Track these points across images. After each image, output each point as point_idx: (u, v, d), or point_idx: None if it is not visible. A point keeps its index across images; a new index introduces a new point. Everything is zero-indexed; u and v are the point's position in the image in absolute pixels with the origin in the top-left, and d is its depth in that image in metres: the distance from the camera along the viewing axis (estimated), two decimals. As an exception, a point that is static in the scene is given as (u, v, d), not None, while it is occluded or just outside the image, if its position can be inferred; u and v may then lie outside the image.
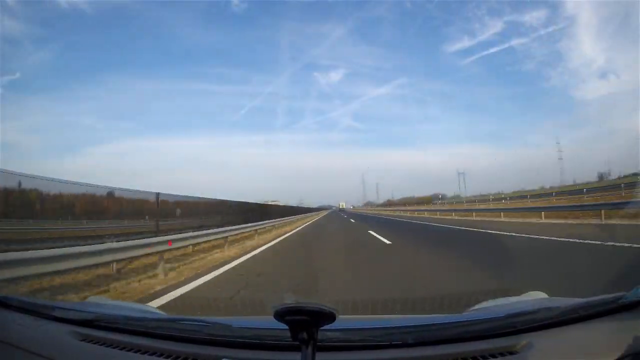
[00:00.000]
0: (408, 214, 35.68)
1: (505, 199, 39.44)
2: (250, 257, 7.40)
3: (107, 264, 5.02)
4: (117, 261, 5.11)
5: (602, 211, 11.72)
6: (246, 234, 11.80)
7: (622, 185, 22.58)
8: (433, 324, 1.08)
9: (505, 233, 9.77)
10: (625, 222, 10.12)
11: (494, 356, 0.91)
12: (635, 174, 24.64)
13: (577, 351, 0.90)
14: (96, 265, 4.72)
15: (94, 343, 1.09)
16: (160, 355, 1.00)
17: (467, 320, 1.08)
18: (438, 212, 28.34)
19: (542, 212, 15.03)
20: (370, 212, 60.51)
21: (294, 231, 15.78)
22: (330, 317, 0.74)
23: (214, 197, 12.50)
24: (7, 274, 3.08)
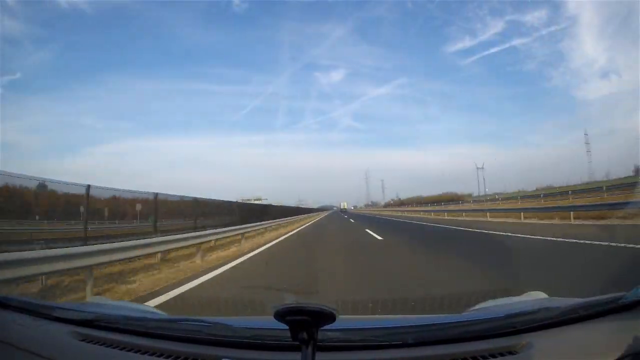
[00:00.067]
0: (432, 216, 28.07)
1: (536, 196, 34.58)
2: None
3: None
4: None
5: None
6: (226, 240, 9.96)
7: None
8: (433, 324, 1.08)
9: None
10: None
11: (494, 356, 0.91)
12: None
13: (577, 351, 0.90)
14: None
15: (94, 343, 1.09)
16: (161, 355, 1.00)
17: (467, 320, 1.08)
18: (487, 214, 19.75)
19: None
20: (377, 212, 53.89)
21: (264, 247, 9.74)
22: (330, 317, 0.74)
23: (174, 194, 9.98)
24: None
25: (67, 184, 6.09)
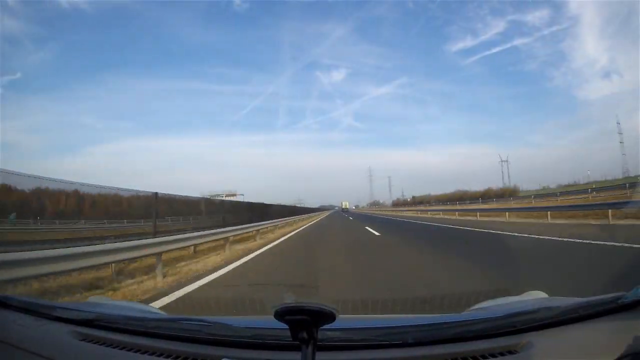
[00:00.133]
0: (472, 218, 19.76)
1: (583, 190, 29.25)
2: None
3: None
4: None
5: None
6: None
7: None
8: (433, 324, 1.08)
9: None
10: None
11: (494, 356, 0.91)
12: None
13: (577, 351, 0.90)
14: None
15: (94, 343, 1.10)
16: (161, 355, 1.00)
17: (467, 320, 1.08)
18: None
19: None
20: (390, 213, 43.45)
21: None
22: (330, 316, 0.74)
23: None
24: None
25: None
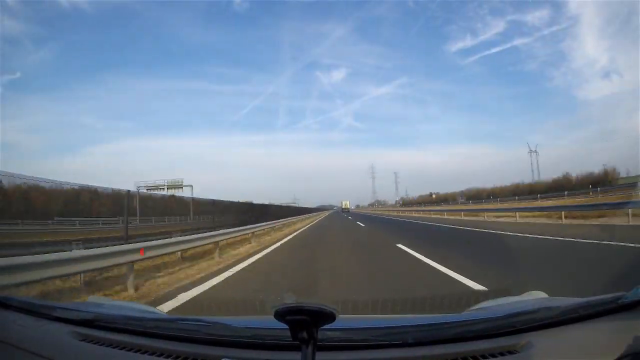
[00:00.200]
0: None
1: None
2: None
3: None
4: None
5: None
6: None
7: None
8: (433, 324, 1.08)
9: None
10: None
11: (494, 356, 0.91)
12: None
13: (577, 351, 0.90)
14: None
15: (94, 343, 1.10)
16: (160, 355, 1.00)
17: (467, 320, 1.07)
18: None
19: None
20: (397, 214, 38.34)
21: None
22: (330, 316, 0.74)
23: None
24: None
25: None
